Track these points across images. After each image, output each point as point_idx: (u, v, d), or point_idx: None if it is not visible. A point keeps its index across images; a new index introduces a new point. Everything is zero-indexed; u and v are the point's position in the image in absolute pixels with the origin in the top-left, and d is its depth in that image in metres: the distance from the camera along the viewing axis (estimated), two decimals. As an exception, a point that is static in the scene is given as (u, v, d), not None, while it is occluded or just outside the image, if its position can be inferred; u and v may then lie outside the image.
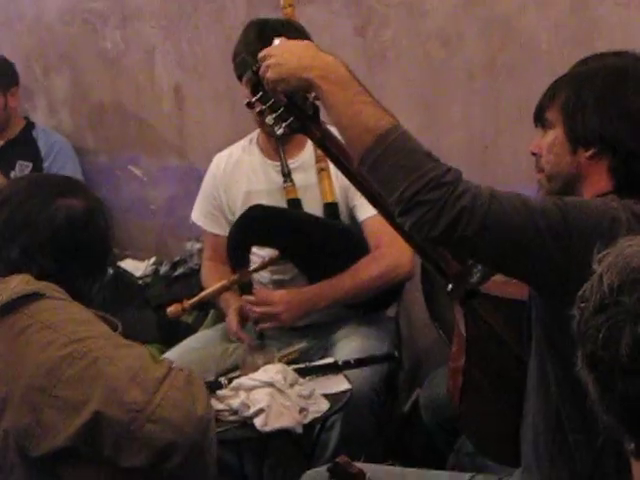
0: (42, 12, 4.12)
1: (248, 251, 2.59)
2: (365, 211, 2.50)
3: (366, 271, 2.50)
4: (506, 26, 2.79)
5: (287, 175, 2.58)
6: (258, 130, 2.68)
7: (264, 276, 2.66)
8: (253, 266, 2.58)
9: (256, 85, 1.74)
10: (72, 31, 4.03)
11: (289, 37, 1.75)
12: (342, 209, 2.56)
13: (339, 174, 2.51)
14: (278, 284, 2.64)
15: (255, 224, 2.55)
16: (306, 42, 1.74)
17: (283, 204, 2.59)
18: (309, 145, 2.59)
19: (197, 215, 2.81)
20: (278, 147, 2.58)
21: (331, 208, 2.56)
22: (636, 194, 1.59)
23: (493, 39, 2.83)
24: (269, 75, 1.67)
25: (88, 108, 4.13)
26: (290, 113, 1.73)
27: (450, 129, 2.95)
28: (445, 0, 2.89)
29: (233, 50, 2.52)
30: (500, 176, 2.85)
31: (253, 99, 1.77)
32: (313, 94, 1.68)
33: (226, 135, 3.46)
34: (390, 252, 2.45)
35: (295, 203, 2.58)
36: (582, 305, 1.07)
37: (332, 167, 2.52)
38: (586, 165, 1.64)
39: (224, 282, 2.57)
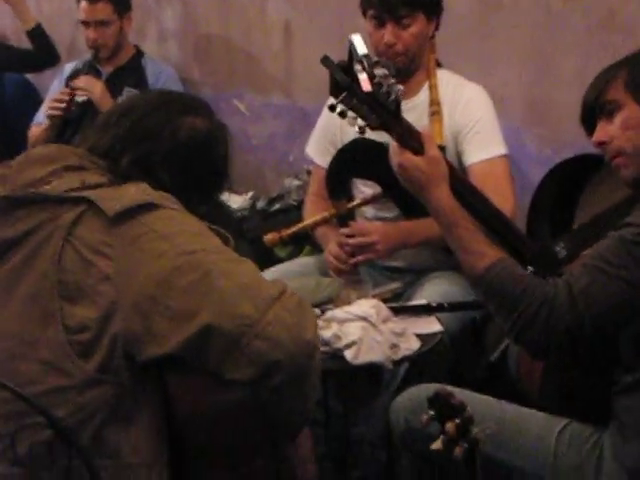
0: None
1: (346, 183, 2.59)
2: (472, 156, 2.52)
3: None
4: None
5: None
6: None
7: (369, 212, 2.68)
8: (355, 201, 2.59)
9: (338, 87, 1.73)
10: (187, -38, 4.08)
11: None
12: (450, 153, 2.54)
13: (452, 119, 2.52)
14: (381, 221, 2.65)
15: (355, 156, 2.55)
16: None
17: None
18: (424, 89, 2.60)
19: (311, 148, 2.83)
20: None
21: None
22: None
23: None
24: None
25: (196, 40, 4.17)
26: (372, 111, 1.74)
27: (563, 84, 2.89)
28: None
29: None
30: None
31: (335, 101, 1.76)
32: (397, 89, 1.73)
33: (333, 75, 3.46)
34: (492, 198, 2.42)
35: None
36: None
37: (445, 111, 2.53)
38: None
39: (324, 214, 2.59)
